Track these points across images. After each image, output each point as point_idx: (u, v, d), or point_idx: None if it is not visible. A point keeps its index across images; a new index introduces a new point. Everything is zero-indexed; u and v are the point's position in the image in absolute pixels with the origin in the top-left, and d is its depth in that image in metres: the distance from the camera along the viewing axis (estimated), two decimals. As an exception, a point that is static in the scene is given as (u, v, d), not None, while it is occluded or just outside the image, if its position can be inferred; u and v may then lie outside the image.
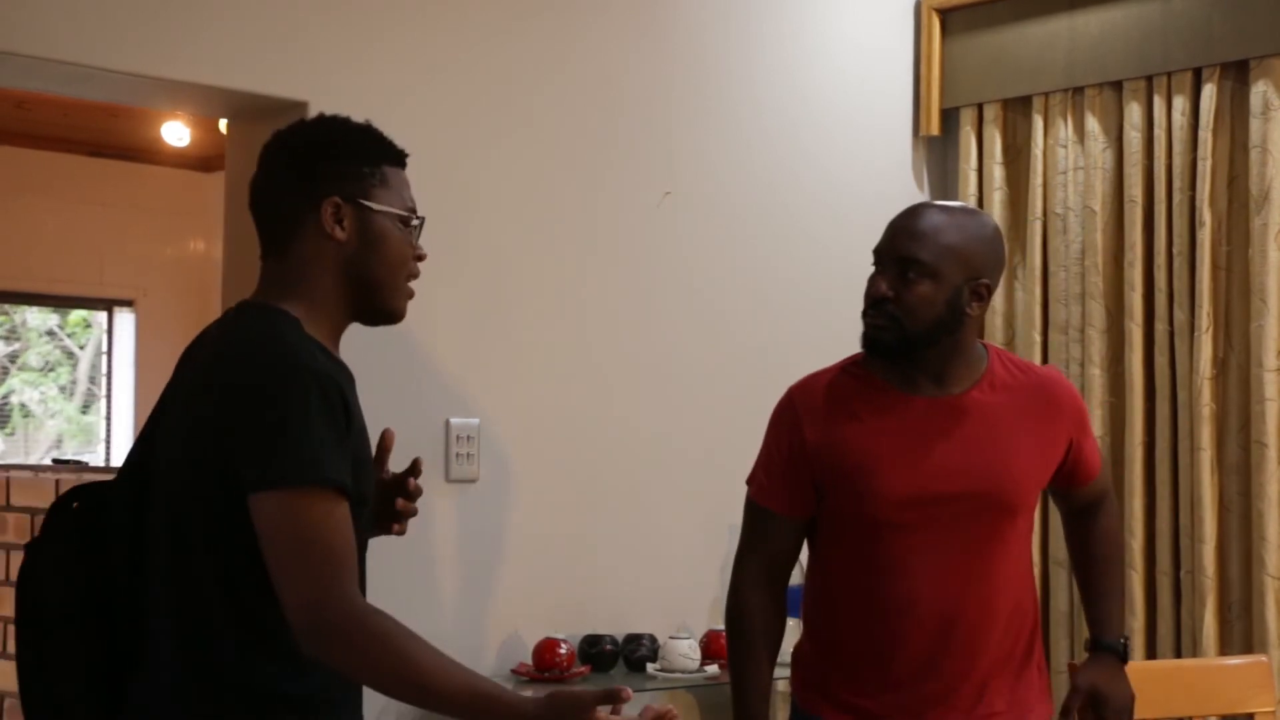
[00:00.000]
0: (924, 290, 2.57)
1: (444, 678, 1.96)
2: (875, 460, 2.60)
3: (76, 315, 8.65)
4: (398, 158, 2.21)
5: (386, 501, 2.33)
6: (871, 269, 2.65)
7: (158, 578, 2.07)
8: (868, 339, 2.62)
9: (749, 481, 2.79)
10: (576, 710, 1.95)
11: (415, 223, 2.19)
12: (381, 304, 2.18)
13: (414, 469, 2.36)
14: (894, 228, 2.64)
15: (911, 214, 2.65)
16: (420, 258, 2.21)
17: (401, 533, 2.37)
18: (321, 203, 2.12)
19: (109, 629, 2.09)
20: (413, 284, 2.23)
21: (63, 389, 8.77)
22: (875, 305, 2.60)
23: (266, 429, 1.98)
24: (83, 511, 2.14)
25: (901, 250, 2.59)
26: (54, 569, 2.11)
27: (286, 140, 2.19)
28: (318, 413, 1.98)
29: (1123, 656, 2.76)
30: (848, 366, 2.71)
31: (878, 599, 2.63)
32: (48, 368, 8.75)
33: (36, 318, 8.65)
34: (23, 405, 8.76)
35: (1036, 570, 4.25)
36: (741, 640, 2.73)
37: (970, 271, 2.59)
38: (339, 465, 1.98)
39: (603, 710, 1.94)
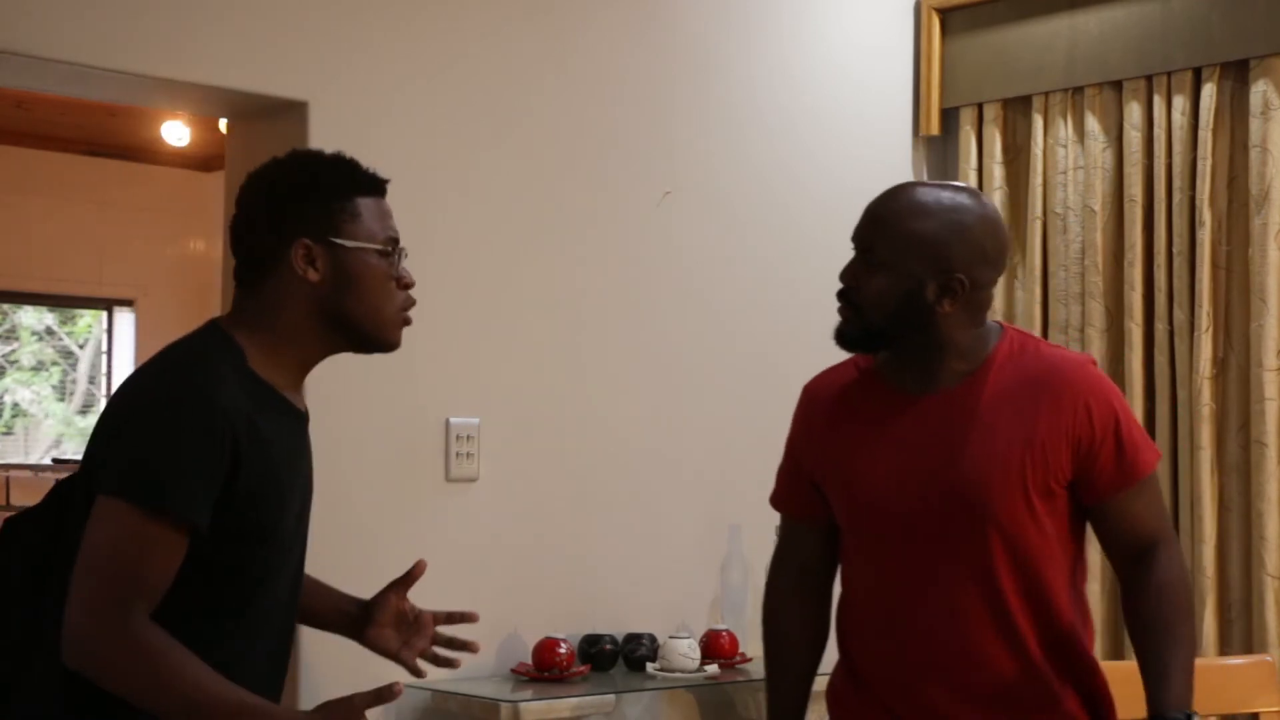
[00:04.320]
0: (879, 283, 2.37)
1: (210, 693, 1.95)
2: (854, 460, 2.44)
3: (76, 314, 8.65)
4: (371, 187, 2.19)
5: (391, 627, 2.35)
6: None
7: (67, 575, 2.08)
8: (836, 330, 2.46)
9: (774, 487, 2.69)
10: (346, 714, 1.96)
11: (394, 253, 2.17)
12: (368, 339, 2.18)
13: (452, 618, 2.40)
14: (864, 211, 2.44)
15: (884, 196, 2.43)
16: (407, 285, 2.19)
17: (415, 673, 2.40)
18: (291, 245, 2.12)
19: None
20: (411, 293, 2.22)
21: (55, 388, 8.77)
22: (839, 295, 2.43)
23: (126, 440, 2.00)
24: (55, 500, 2.17)
25: (861, 236, 2.41)
26: (24, 539, 2.14)
27: (258, 181, 2.20)
28: (186, 440, 1.98)
29: None
30: (857, 360, 2.53)
31: (868, 611, 2.48)
32: (40, 367, 8.74)
33: (30, 317, 8.65)
34: (15, 405, 8.75)
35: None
36: (768, 651, 2.64)
37: (939, 264, 2.35)
38: (190, 495, 1.97)
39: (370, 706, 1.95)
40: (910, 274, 2.35)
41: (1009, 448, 2.35)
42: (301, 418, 2.20)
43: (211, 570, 2.05)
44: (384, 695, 1.97)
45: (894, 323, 2.38)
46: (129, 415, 2.04)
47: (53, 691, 2.06)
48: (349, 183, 2.18)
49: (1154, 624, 2.37)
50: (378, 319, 2.16)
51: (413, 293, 2.23)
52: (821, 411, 2.54)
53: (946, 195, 2.40)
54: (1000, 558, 2.36)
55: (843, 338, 2.44)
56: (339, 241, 2.13)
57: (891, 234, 2.36)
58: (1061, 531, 2.42)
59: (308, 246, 2.12)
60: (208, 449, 1.99)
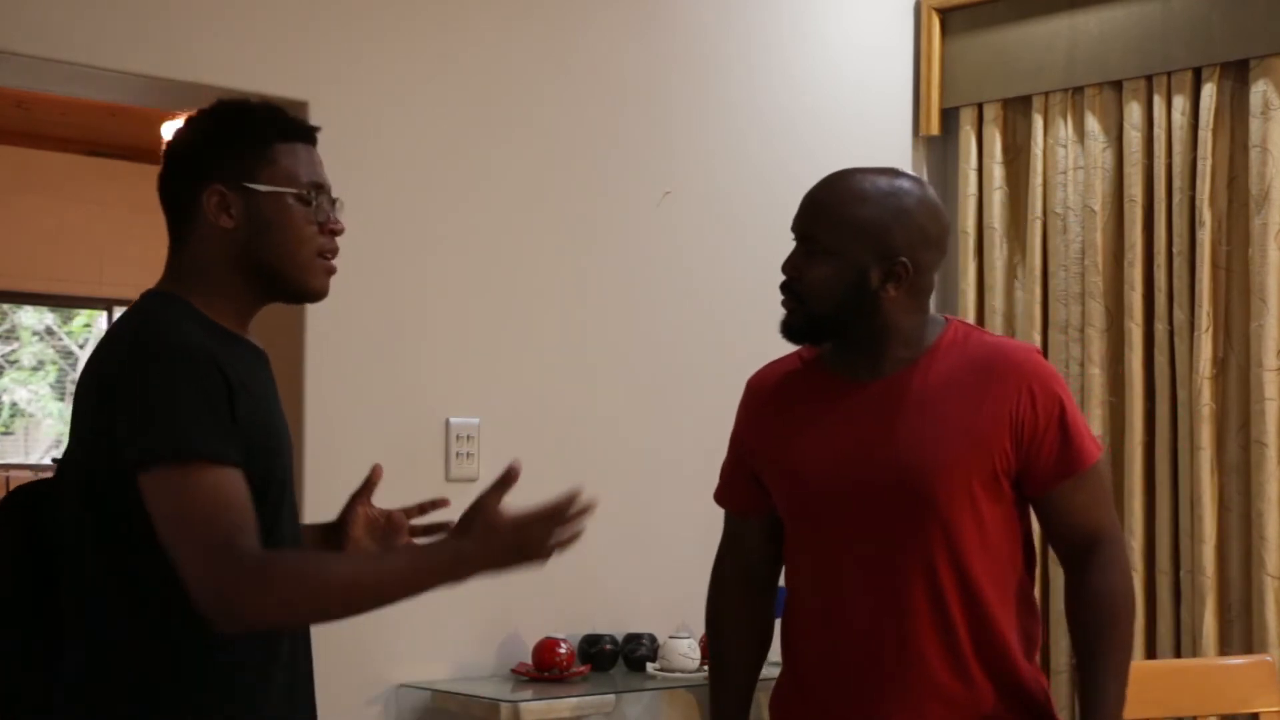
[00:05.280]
0: (823, 272, 2.32)
1: (374, 575, 1.95)
2: (794, 448, 2.40)
3: (73, 314, 8.65)
4: (294, 133, 2.14)
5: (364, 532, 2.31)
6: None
7: (64, 572, 2.07)
8: (782, 322, 2.41)
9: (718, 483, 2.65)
10: (484, 514, 1.98)
11: (316, 198, 2.12)
12: (289, 285, 2.12)
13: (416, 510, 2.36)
14: (804, 199, 2.39)
15: (820, 185, 2.39)
16: (333, 232, 2.13)
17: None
18: (202, 191, 2.10)
19: (43, 620, 2.10)
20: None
21: (54, 387, 8.77)
22: (782, 286, 2.38)
23: (137, 409, 1.96)
24: (17, 508, 2.14)
25: (802, 227, 2.36)
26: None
27: (177, 131, 2.18)
28: (186, 388, 1.95)
29: None
30: (802, 352, 2.50)
31: (808, 606, 2.43)
32: (39, 367, 8.75)
33: (30, 317, 8.65)
34: (14, 405, 8.76)
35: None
36: (712, 649, 2.60)
37: (882, 249, 2.31)
38: (213, 437, 1.95)
39: (498, 500, 1.97)
40: (854, 260, 2.32)
41: (952, 434, 2.32)
42: (263, 356, 2.16)
43: None
44: (505, 479, 2.00)
45: (839, 311, 2.34)
46: (122, 388, 2.00)
47: (72, 692, 2.04)
48: (266, 128, 2.13)
49: (1088, 631, 2.37)
50: (294, 263, 2.10)
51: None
52: (763, 402, 2.50)
53: (884, 180, 2.37)
54: (940, 549, 2.32)
55: (789, 329, 2.40)
56: (252, 186, 2.09)
57: (833, 221, 2.33)
58: (1007, 527, 2.38)
59: (221, 193, 2.09)
60: (209, 391, 1.97)
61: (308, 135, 2.15)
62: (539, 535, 1.99)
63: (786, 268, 2.38)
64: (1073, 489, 2.37)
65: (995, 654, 2.35)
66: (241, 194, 2.09)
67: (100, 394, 2.02)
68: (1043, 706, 2.41)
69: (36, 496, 2.16)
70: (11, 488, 4.82)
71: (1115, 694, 2.33)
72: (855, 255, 2.32)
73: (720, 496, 2.62)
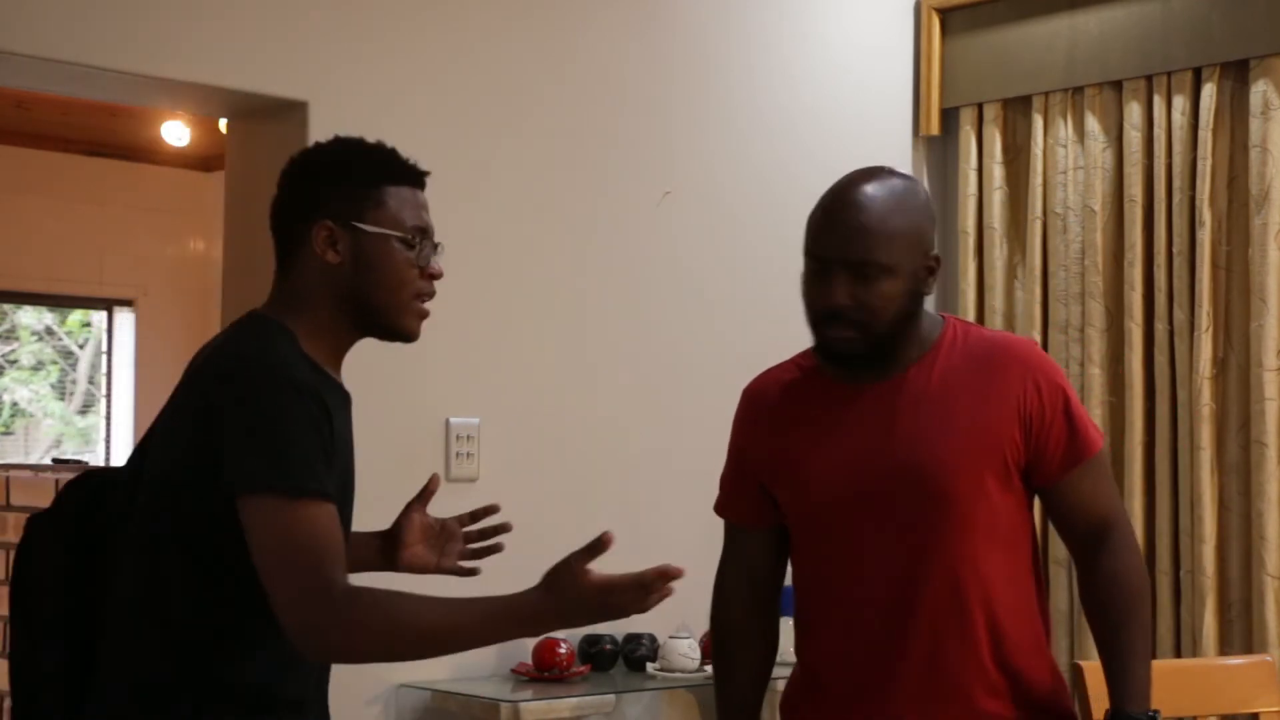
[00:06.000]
0: (886, 291, 2.31)
1: (452, 620, 1.98)
2: (804, 456, 2.40)
3: (71, 313, 8.66)
4: (404, 177, 2.21)
5: (419, 544, 2.38)
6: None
7: (127, 578, 2.10)
8: (831, 352, 2.37)
9: (718, 494, 2.62)
10: (570, 576, 2.01)
11: (420, 242, 2.18)
12: (386, 324, 2.20)
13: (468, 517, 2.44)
14: (835, 224, 2.35)
15: (847, 206, 2.35)
16: (432, 276, 2.21)
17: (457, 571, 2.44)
18: (314, 226, 2.14)
19: (90, 618, 2.13)
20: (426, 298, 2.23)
21: (54, 387, 8.78)
22: (833, 318, 2.34)
23: (255, 436, 2.00)
24: (81, 503, 2.19)
25: (853, 252, 2.32)
26: (45, 553, 2.17)
27: (293, 165, 2.23)
28: (304, 422, 2.01)
29: None
30: (798, 358, 2.51)
31: (830, 608, 2.42)
32: (39, 367, 8.75)
33: (30, 316, 8.66)
34: (15, 404, 8.76)
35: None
36: (718, 662, 2.57)
37: (924, 251, 2.36)
38: (319, 473, 2.01)
39: (587, 561, 2.00)
40: (910, 271, 2.34)
41: (963, 429, 2.34)
42: (348, 397, 2.23)
43: None
44: (596, 547, 2.02)
45: (902, 323, 2.35)
46: (233, 413, 2.03)
47: (110, 694, 2.07)
48: (380, 170, 2.20)
49: (1110, 615, 2.38)
50: (392, 303, 2.17)
51: (424, 311, 2.25)
52: (766, 412, 2.49)
53: (895, 182, 2.39)
54: (958, 546, 2.33)
55: (850, 358, 2.36)
56: (361, 226, 2.15)
57: (884, 239, 2.32)
58: (1019, 521, 2.40)
59: (330, 229, 2.14)
60: (314, 426, 2.02)
61: (417, 179, 2.22)
62: (622, 602, 2.04)
63: (840, 297, 2.32)
64: (1080, 477, 2.39)
65: (1012, 649, 2.37)
66: (350, 232, 2.15)
67: (208, 416, 2.04)
68: (1062, 702, 2.42)
69: (93, 501, 2.19)
70: (11, 488, 4.77)
71: (1145, 676, 2.34)
72: (910, 265, 2.34)
73: (722, 508, 2.60)
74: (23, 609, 2.18)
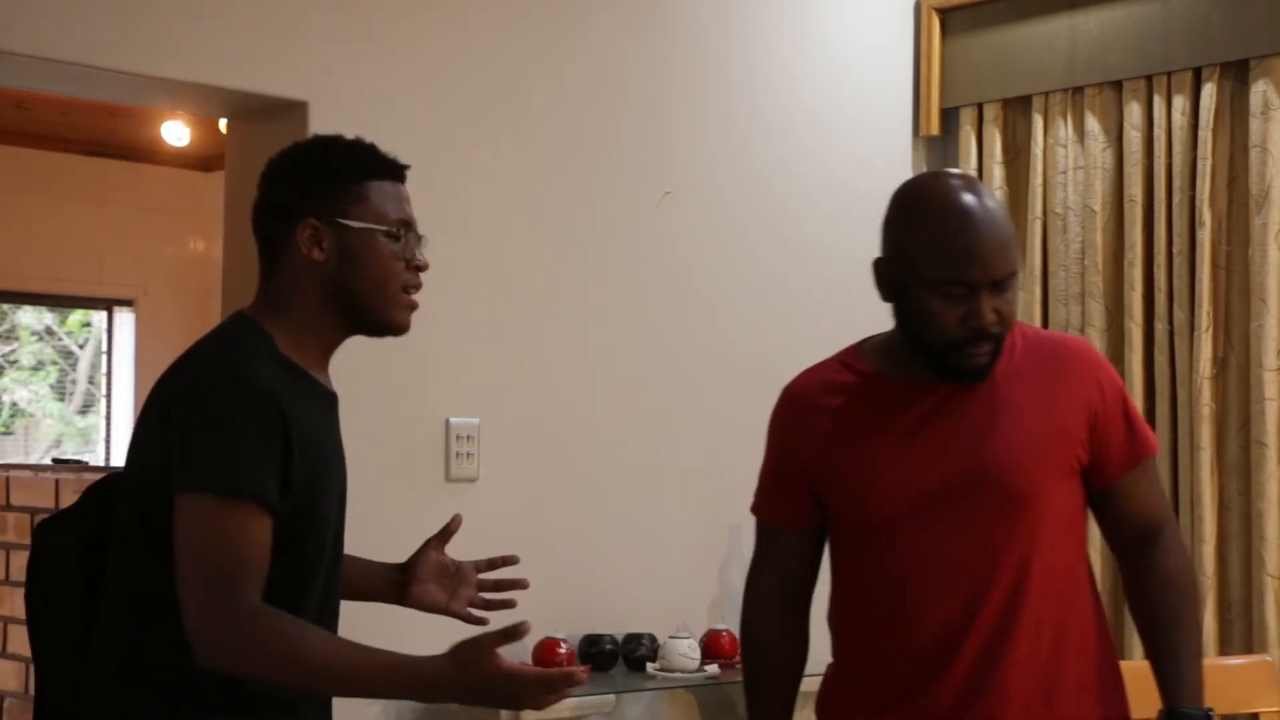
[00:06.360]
0: (1014, 294, 2.31)
1: (349, 665, 1.98)
2: (867, 459, 2.36)
3: (70, 313, 8.65)
4: (385, 171, 2.22)
5: (434, 580, 2.39)
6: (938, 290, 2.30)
7: (110, 576, 2.13)
8: (965, 370, 2.30)
9: (755, 494, 2.56)
10: (478, 655, 1.97)
11: (404, 235, 2.19)
12: (375, 318, 2.20)
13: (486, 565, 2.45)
14: (979, 247, 2.26)
15: (983, 224, 2.29)
16: (418, 269, 2.21)
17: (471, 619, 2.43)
18: (298, 225, 2.15)
19: (91, 619, 2.15)
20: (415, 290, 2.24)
21: (53, 387, 8.78)
22: (989, 336, 2.28)
23: (197, 435, 2.02)
24: (93, 505, 2.20)
25: (1001, 270, 2.27)
26: (56, 549, 2.18)
27: (274, 165, 2.24)
28: (250, 425, 2.01)
29: None
30: (844, 359, 2.46)
31: (885, 608, 2.37)
32: (39, 367, 8.75)
33: (30, 316, 8.66)
34: (14, 405, 8.77)
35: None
36: (751, 667, 2.53)
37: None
38: (259, 478, 2.00)
39: (496, 646, 1.97)
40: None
41: (1035, 427, 2.32)
42: (332, 399, 2.24)
43: (275, 554, 2.06)
44: (511, 634, 1.98)
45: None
46: (179, 410, 2.06)
47: (107, 693, 2.08)
48: (360, 165, 2.21)
49: (1163, 615, 2.37)
50: (379, 297, 2.18)
51: (412, 303, 2.25)
52: (818, 413, 2.43)
53: (981, 184, 2.38)
54: (1029, 545, 2.31)
55: (982, 372, 2.31)
56: (345, 222, 2.15)
57: (1014, 246, 2.33)
58: (1080, 521, 2.39)
59: (314, 227, 2.15)
60: (262, 429, 2.02)
61: (398, 173, 2.24)
62: (525, 694, 2.00)
63: (989, 317, 2.27)
64: (1137, 479, 2.40)
65: (1080, 649, 2.36)
66: (334, 228, 2.15)
67: (164, 412, 2.08)
68: (1124, 701, 2.41)
69: (106, 502, 2.20)
70: (11, 488, 4.78)
71: (1198, 675, 2.33)
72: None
73: (762, 510, 2.54)
74: (38, 610, 2.19)
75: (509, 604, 2.45)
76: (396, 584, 2.40)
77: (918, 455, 2.33)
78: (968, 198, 2.31)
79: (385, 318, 2.20)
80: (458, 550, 3.64)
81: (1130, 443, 2.38)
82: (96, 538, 2.14)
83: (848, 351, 2.48)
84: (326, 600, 2.19)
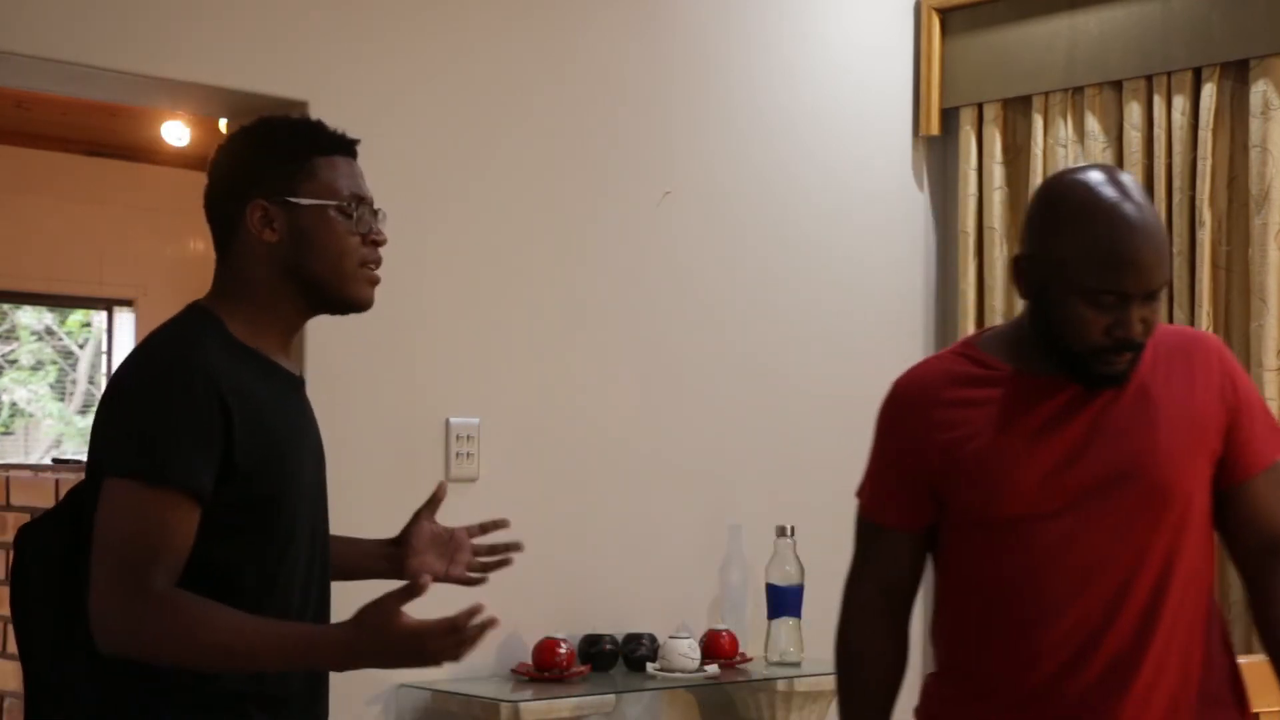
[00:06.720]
0: (1161, 303, 2.23)
1: (251, 632, 1.97)
2: (1004, 453, 2.25)
3: (69, 313, 8.65)
4: (332, 146, 2.18)
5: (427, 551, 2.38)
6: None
7: (86, 575, 2.10)
8: (1109, 379, 2.23)
9: (858, 493, 2.43)
10: (382, 616, 1.96)
11: (357, 209, 2.15)
12: (334, 296, 2.17)
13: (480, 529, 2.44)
14: (1136, 258, 2.18)
15: (1142, 233, 2.19)
16: (375, 243, 2.18)
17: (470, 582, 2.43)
18: (246, 206, 2.13)
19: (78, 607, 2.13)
20: (381, 271, 2.21)
21: (53, 387, 8.78)
22: (1130, 346, 2.21)
23: (127, 420, 2.02)
24: (73, 502, 2.18)
25: (1157, 281, 2.19)
26: (36, 551, 2.17)
27: (221, 148, 2.22)
28: (184, 411, 2.00)
29: None
30: (964, 352, 2.35)
31: (1009, 611, 2.27)
32: (38, 366, 8.76)
33: (30, 316, 8.66)
34: (13, 404, 8.77)
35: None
36: (851, 671, 2.40)
37: None
38: (187, 465, 1.99)
39: (398, 605, 1.96)
40: None
41: (1177, 420, 2.25)
42: (295, 381, 2.20)
43: (232, 543, 2.05)
44: (411, 591, 1.97)
45: None
46: (117, 398, 2.06)
47: (86, 693, 2.07)
48: (306, 142, 2.17)
49: None
50: (338, 274, 2.15)
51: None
52: (944, 406, 2.31)
53: (1137, 183, 2.27)
54: (1174, 543, 2.24)
55: (1122, 378, 2.25)
56: (294, 200, 2.12)
57: (1170, 260, 2.25)
58: (1211, 520, 2.32)
59: (264, 207, 2.12)
60: (196, 415, 2.00)
61: (347, 148, 2.20)
62: (436, 648, 1.99)
63: (1138, 327, 2.20)
64: (1266, 479, 2.31)
65: (1219, 645, 2.31)
66: (284, 208, 2.13)
67: (107, 401, 2.08)
68: (1246, 710, 2.36)
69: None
70: (11, 488, 4.79)
71: None
72: None
73: (875, 511, 2.40)
74: (22, 612, 2.18)
75: (507, 562, 2.45)
76: (392, 558, 2.38)
77: (1055, 452, 2.25)
78: (1127, 205, 2.20)
79: (345, 295, 2.17)
80: (458, 550, 3.65)
81: (1264, 439, 2.31)
82: (76, 538, 2.11)
83: (966, 345, 2.38)
84: (309, 586, 2.16)
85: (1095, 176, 2.24)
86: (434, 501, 2.42)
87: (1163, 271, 2.20)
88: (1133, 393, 2.26)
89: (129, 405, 2.04)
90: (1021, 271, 2.28)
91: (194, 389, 2.01)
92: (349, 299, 2.17)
